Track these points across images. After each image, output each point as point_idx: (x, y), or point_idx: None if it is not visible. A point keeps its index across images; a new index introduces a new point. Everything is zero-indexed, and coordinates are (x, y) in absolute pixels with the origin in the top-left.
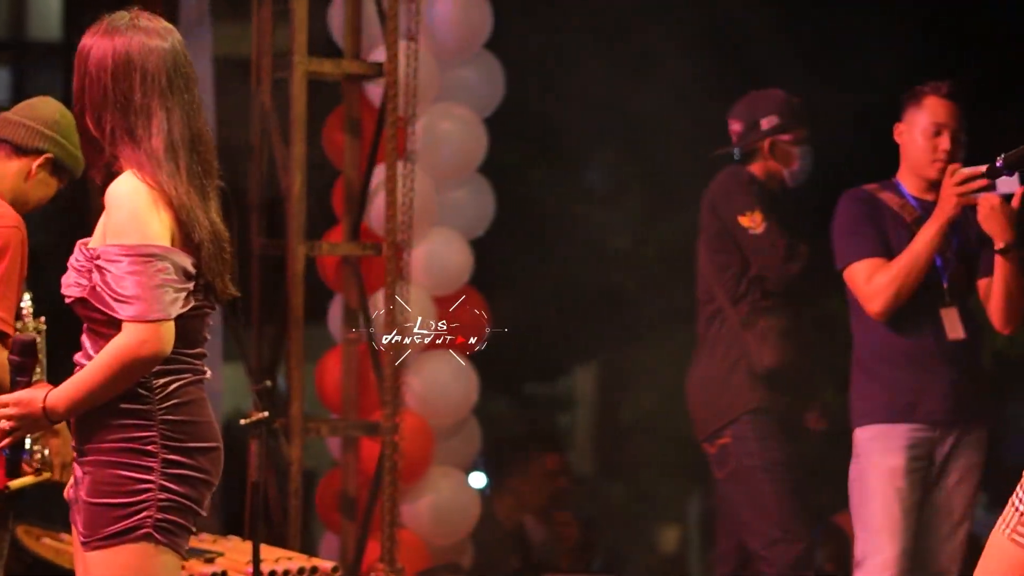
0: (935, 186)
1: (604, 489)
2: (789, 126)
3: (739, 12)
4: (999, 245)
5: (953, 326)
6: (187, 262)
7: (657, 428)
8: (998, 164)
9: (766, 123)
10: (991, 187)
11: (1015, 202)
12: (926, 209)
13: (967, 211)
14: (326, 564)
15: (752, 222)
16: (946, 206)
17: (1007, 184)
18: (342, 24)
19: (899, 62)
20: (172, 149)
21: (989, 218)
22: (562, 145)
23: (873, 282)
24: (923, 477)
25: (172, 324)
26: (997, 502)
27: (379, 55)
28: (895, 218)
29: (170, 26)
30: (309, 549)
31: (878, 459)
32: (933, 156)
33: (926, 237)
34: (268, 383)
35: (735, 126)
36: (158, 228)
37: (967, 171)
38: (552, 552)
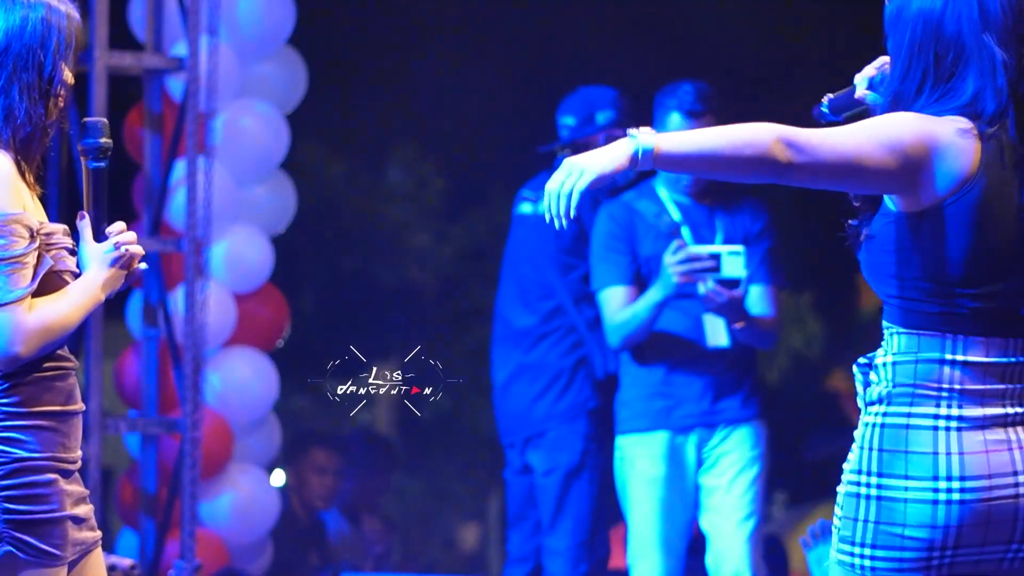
0: (695, 183)
1: (404, 486)
2: (624, 121)
3: (550, 10)
4: (739, 325)
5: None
6: None
7: (456, 426)
8: (824, 108)
9: (602, 117)
10: (713, 269)
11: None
12: (685, 213)
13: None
14: (124, 562)
15: None
16: (667, 282)
17: (731, 267)
18: (142, 17)
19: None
20: None
21: (722, 309)
22: (363, 142)
23: (610, 316)
24: None
25: None
26: None
27: (180, 49)
28: (649, 229)
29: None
30: (107, 547)
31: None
32: None
33: (648, 302)
34: None
35: (567, 120)
36: None
37: (692, 250)
38: (352, 549)
